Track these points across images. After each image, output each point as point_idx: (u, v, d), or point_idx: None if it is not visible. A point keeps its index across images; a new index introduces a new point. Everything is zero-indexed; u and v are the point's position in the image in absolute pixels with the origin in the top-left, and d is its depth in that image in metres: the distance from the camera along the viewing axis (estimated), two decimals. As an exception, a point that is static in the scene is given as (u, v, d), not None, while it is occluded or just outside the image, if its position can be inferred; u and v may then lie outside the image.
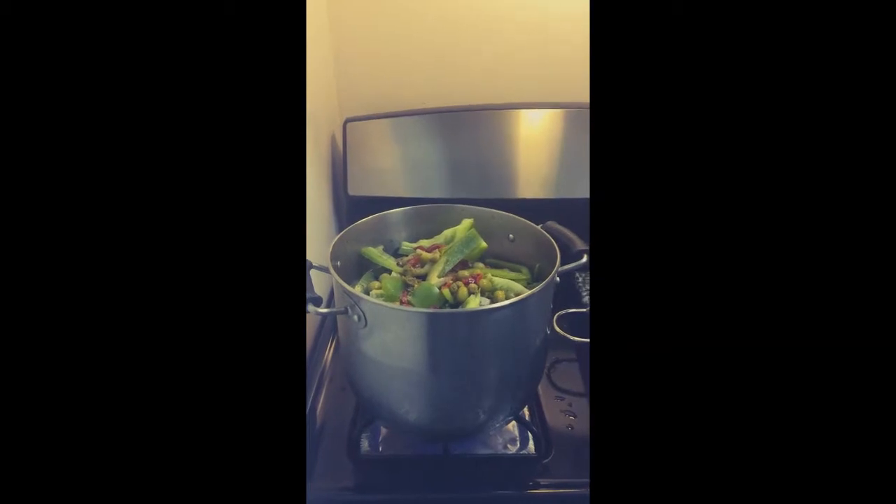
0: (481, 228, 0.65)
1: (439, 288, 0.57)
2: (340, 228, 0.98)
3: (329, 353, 0.77)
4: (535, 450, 0.62)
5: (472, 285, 0.58)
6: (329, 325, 0.82)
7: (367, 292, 0.60)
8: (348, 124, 0.89)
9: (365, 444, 0.62)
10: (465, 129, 0.89)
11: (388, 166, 0.91)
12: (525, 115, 0.88)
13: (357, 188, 0.91)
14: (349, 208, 0.94)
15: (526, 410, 0.66)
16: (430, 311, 0.52)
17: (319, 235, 0.85)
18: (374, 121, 0.90)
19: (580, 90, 0.91)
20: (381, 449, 0.63)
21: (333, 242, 0.60)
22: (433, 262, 0.62)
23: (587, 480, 0.57)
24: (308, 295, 0.51)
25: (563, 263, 0.57)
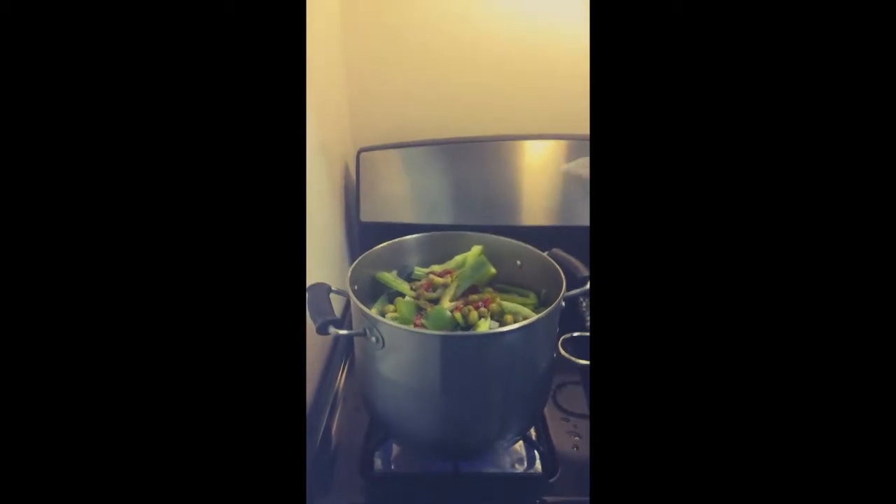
0: (490, 255, 0.69)
1: (451, 311, 0.60)
2: (353, 254, 1.01)
3: (342, 375, 0.80)
4: (542, 469, 0.64)
5: (483, 309, 0.61)
6: (342, 347, 0.85)
7: (381, 315, 0.63)
8: (361, 154, 0.93)
9: (378, 462, 0.65)
10: (473, 159, 0.93)
11: (399, 194, 0.95)
12: (530, 145, 0.92)
13: (369, 215, 0.95)
14: (361, 234, 0.97)
15: (533, 431, 0.68)
16: (444, 333, 0.55)
17: (332, 260, 0.89)
18: (386, 151, 0.94)
19: (582, 122, 0.96)
20: (393, 467, 0.65)
21: (352, 267, 0.63)
22: (445, 286, 0.65)
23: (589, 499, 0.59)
24: (329, 318, 0.54)
25: (567, 289, 0.60)
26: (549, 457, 0.65)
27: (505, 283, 0.70)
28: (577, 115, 0.95)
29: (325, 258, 0.84)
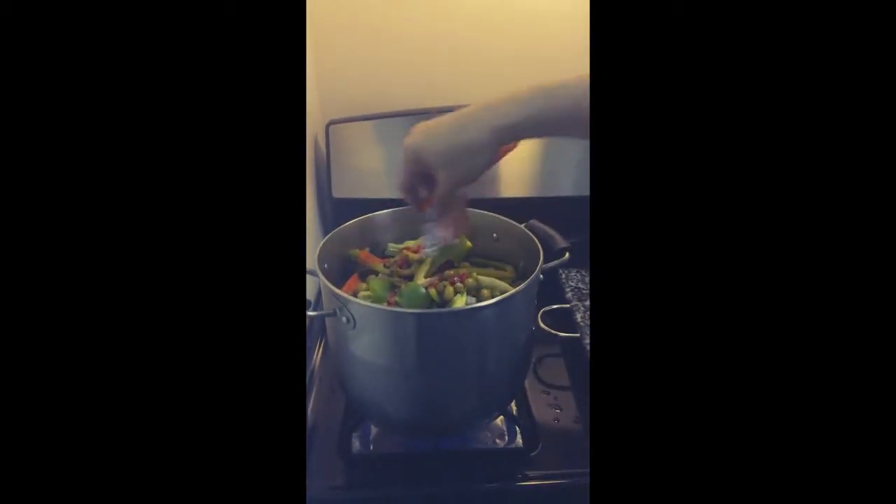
0: (465, 228, 0.67)
1: (426, 288, 0.58)
2: (325, 231, 0.98)
3: (318, 355, 0.78)
4: (524, 443, 0.63)
5: (458, 284, 0.59)
6: (317, 327, 0.83)
7: (354, 294, 0.61)
8: (331, 127, 0.90)
9: (356, 444, 0.63)
10: (447, 130, 0.89)
11: (372, 168, 0.92)
12: (506, 115, 0.89)
13: (341, 190, 0.92)
14: (334, 211, 0.94)
15: (513, 405, 0.67)
16: (418, 311, 0.53)
17: (305, 238, 0.86)
18: (357, 123, 0.90)
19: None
20: (371, 447, 0.63)
21: (320, 245, 0.61)
22: (419, 262, 0.63)
23: (574, 471, 0.59)
24: (297, 298, 0.52)
25: (545, 261, 0.58)
26: (531, 431, 0.64)
27: (481, 256, 0.68)
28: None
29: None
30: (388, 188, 0.92)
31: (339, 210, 0.92)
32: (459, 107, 0.95)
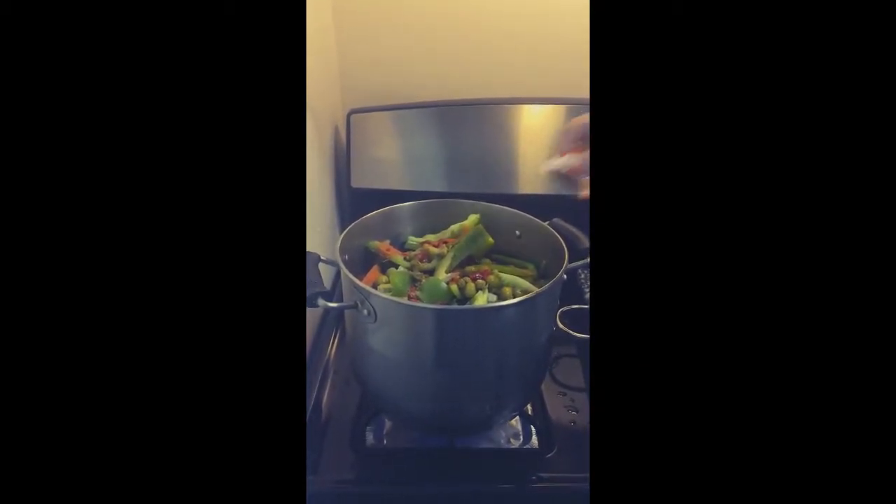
0: (488, 224, 0.66)
1: (447, 283, 0.57)
2: (343, 221, 0.98)
3: (333, 346, 0.77)
4: (538, 444, 0.63)
5: (480, 281, 0.58)
6: (332, 317, 0.82)
7: (374, 286, 0.60)
8: (352, 116, 0.89)
9: (370, 437, 0.63)
10: (469, 124, 0.88)
11: (391, 159, 0.91)
12: (528, 110, 0.88)
13: (360, 181, 0.91)
14: (352, 201, 0.94)
15: (529, 405, 0.66)
16: (441, 307, 0.53)
17: (322, 228, 0.85)
18: (378, 113, 0.89)
19: (583, 86, 0.92)
20: (385, 442, 0.63)
21: (342, 237, 0.60)
22: (440, 257, 0.62)
23: (588, 475, 0.58)
24: (318, 289, 0.51)
25: (569, 261, 0.57)
26: (546, 432, 0.64)
27: (503, 253, 0.67)
28: (579, 78, 0.91)
29: (314, 225, 0.80)
30: (406, 180, 0.91)
31: (357, 200, 0.91)
32: (481, 100, 0.94)
